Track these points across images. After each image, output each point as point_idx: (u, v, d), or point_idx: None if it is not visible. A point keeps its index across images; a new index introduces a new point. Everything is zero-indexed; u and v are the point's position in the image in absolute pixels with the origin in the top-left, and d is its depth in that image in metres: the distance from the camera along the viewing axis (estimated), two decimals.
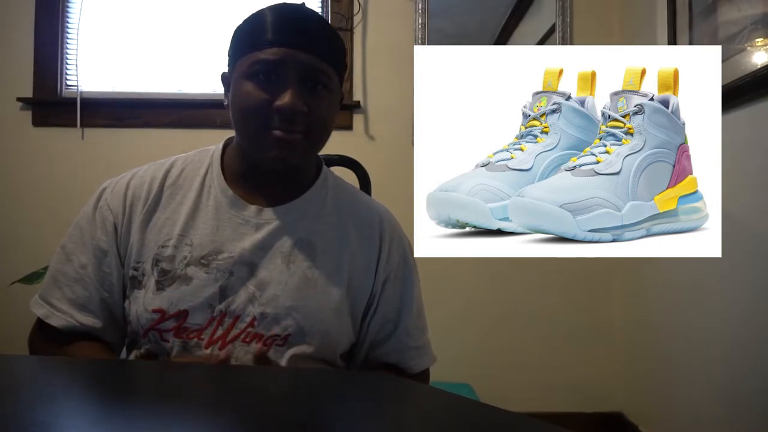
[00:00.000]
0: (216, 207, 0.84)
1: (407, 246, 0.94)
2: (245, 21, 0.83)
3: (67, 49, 2.16)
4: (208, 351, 0.80)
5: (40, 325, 0.84)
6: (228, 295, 0.81)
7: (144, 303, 0.81)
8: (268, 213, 0.85)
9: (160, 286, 0.81)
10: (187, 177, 0.87)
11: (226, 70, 0.86)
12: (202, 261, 0.81)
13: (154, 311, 0.80)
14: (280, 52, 0.78)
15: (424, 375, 0.93)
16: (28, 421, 0.48)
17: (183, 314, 0.80)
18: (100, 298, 0.83)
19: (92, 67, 2.19)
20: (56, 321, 0.82)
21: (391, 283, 0.89)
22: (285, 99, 0.77)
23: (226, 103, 0.86)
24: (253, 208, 0.85)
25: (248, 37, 0.81)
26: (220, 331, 0.80)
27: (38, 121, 2.13)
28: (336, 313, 0.84)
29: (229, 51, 0.85)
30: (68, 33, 2.16)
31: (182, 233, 0.83)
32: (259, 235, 0.83)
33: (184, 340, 0.80)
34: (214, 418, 0.53)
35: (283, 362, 0.81)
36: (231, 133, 0.89)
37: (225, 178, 0.87)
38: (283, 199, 0.86)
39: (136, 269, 0.83)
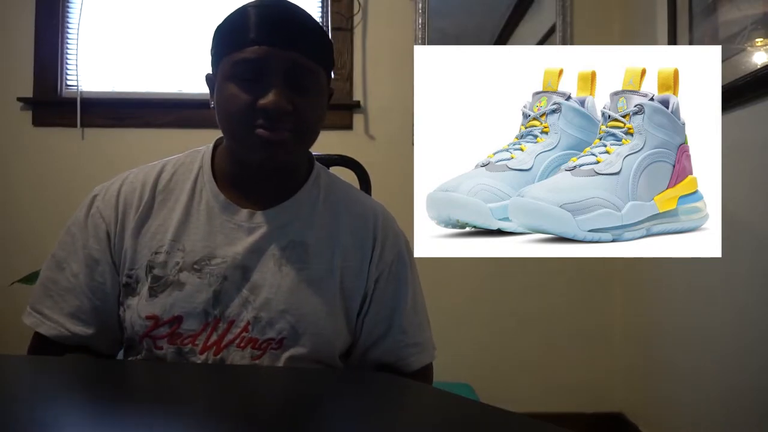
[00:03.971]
0: (208, 212, 0.83)
1: (403, 243, 0.91)
2: (225, 20, 0.81)
3: (67, 49, 2.16)
4: (203, 357, 0.79)
5: (36, 338, 0.83)
6: (222, 300, 0.80)
7: (137, 310, 0.80)
8: (260, 216, 0.83)
9: (152, 293, 0.80)
10: (178, 181, 0.86)
11: (211, 72, 0.84)
12: (195, 266, 0.80)
13: (148, 318, 0.79)
14: (262, 50, 0.76)
15: (424, 372, 0.91)
16: (28, 421, 0.48)
17: (177, 320, 0.79)
18: (93, 306, 0.82)
19: (92, 67, 2.19)
20: (46, 330, 0.81)
21: (383, 281, 0.87)
22: (269, 98, 0.75)
23: (212, 105, 0.84)
24: (244, 212, 0.83)
25: (229, 37, 0.79)
26: (214, 337, 0.79)
27: (38, 121, 2.13)
28: (330, 314, 0.83)
29: (211, 51, 0.83)
30: (68, 33, 2.16)
31: (174, 239, 0.82)
32: (252, 238, 0.82)
33: (178, 346, 0.79)
34: (213, 418, 0.53)
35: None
36: None
37: (216, 181, 0.85)
38: (275, 201, 0.85)
39: (129, 276, 0.81)
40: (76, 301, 0.81)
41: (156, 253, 0.81)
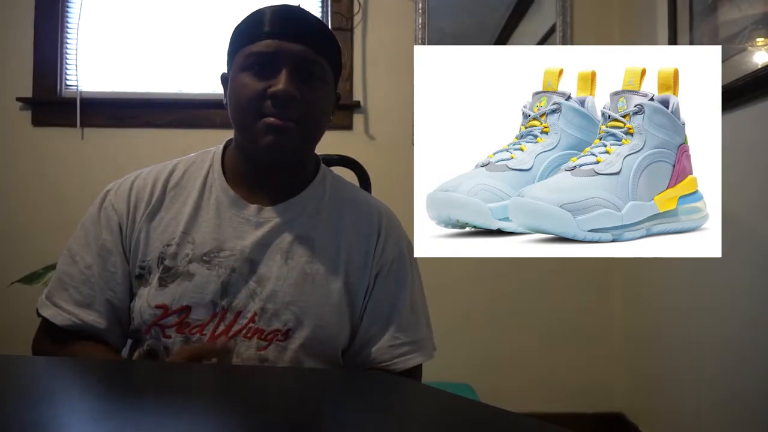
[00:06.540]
0: (217, 206, 0.86)
1: (405, 243, 0.94)
2: (242, 20, 0.86)
3: (67, 49, 2.16)
4: None
5: (46, 327, 0.86)
6: (230, 291, 0.82)
7: (147, 299, 0.82)
8: (268, 211, 0.87)
9: (162, 283, 0.82)
10: (189, 178, 0.89)
11: (226, 71, 0.89)
12: (204, 258, 0.83)
13: (157, 307, 0.82)
14: (273, 43, 0.81)
15: (414, 371, 0.92)
16: (28, 421, 0.48)
17: (185, 310, 0.82)
18: (106, 298, 0.84)
19: (92, 67, 2.19)
20: (62, 321, 0.83)
21: (383, 277, 0.89)
22: (278, 85, 0.80)
23: (225, 101, 0.88)
24: (253, 207, 0.86)
25: (244, 33, 0.84)
26: (222, 327, 0.82)
27: (38, 121, 2.13)
28: (335, 308, 0.85)
29: (227, 51, 0.88)
30: (68, 33, 2.16)
31: (185, 231, 0.85)
32: (259, 232, 0.85)
33: (186, 335, 0.82)
34: (215, 418, 0.53)
35: (285, 358, 0.82)
36: (231, 134, 0.90)
37: (226, 178, 0.88)
38: (282, 198, 0.88)
39: (142, 267, 0.84)
40: (90, 291, 0.84)
41: (167, 245, 0.84)
